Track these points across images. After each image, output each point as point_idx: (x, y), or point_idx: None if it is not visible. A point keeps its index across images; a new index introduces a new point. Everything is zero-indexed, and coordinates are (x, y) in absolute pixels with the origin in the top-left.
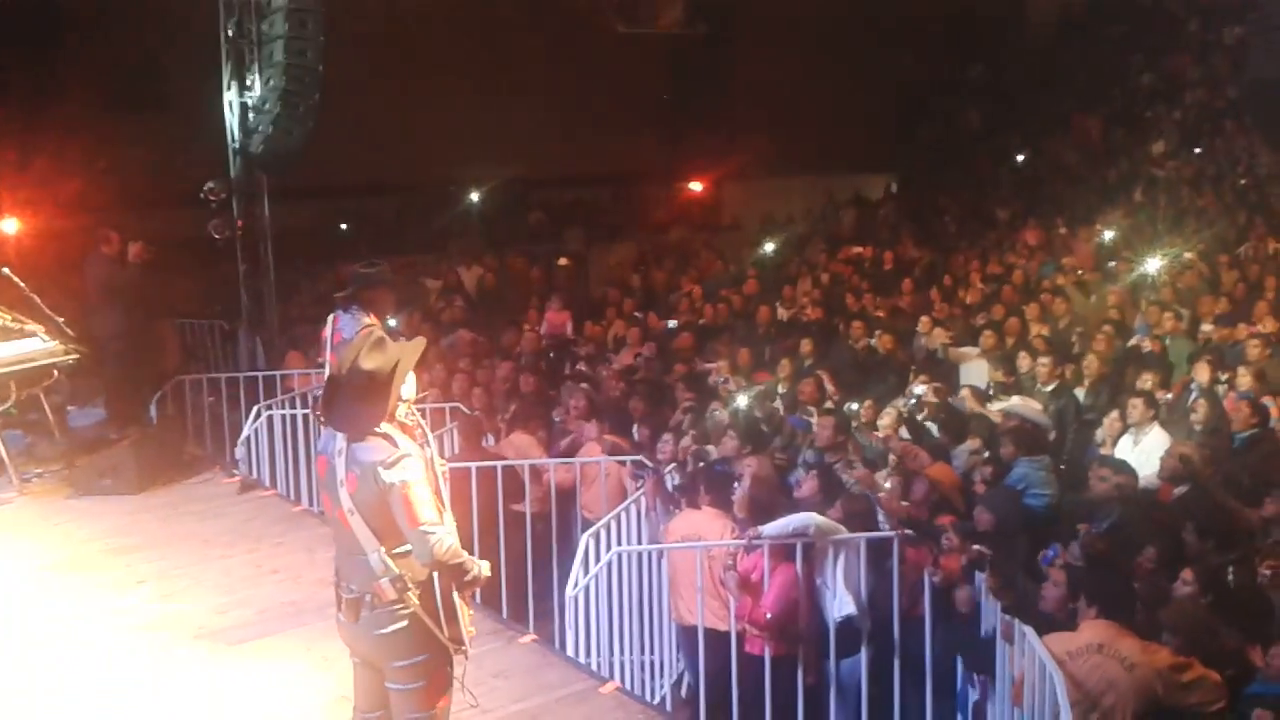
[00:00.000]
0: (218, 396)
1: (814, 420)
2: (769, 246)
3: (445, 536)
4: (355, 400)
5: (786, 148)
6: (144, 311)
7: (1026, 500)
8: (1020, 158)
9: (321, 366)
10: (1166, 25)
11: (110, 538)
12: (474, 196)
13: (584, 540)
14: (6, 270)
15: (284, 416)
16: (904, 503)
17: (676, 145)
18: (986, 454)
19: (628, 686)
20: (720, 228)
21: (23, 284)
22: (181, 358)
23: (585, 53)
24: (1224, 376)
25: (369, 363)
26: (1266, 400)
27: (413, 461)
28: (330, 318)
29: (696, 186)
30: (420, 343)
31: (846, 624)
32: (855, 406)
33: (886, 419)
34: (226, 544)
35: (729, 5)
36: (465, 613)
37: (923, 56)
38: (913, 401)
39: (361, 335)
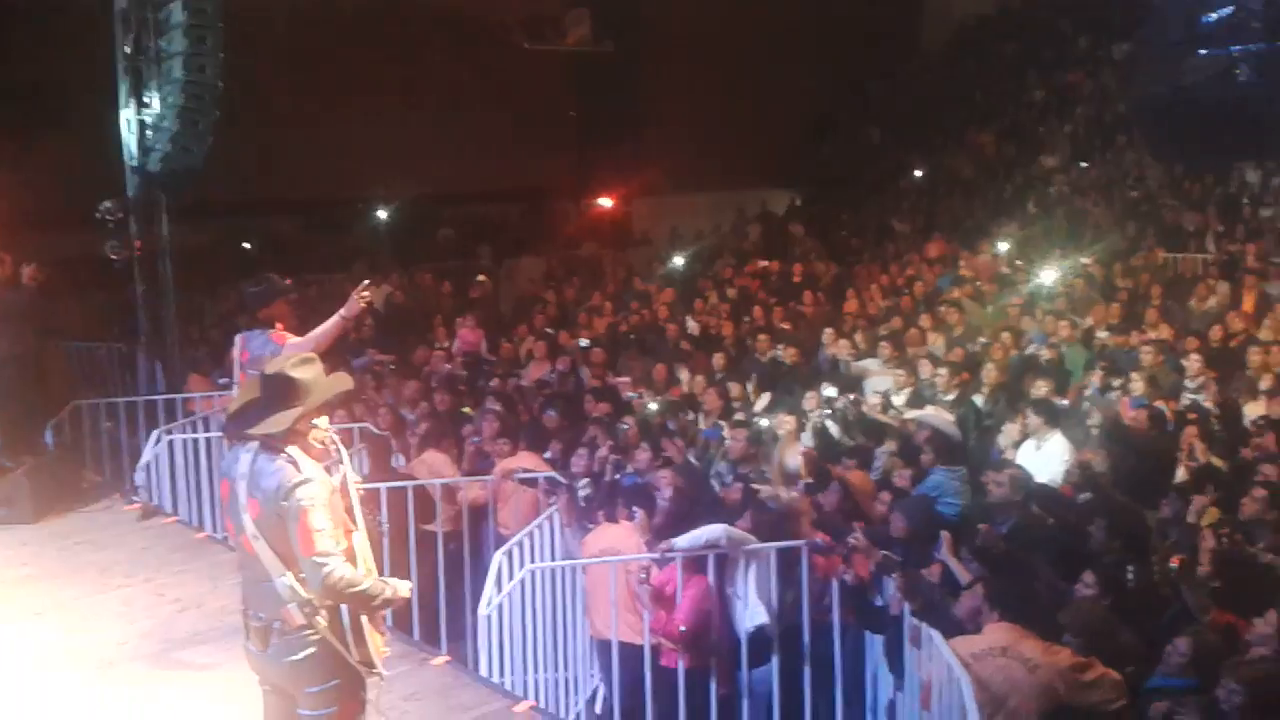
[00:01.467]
0: (116, 421)
1: (726, 431)
2: (678, 261)
3: (339, 567)
4: (269, 405)
5: (694, 163)
6: (39, 335)
7: (939, 507)
8: (919, 172)
9: (226, 388)
10: (1057, 42)
11: (6, 569)
12: (381, 213)
13: (496, 558)
14: None
15: (185, 441)
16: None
17: (585, 161)
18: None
19: (542, 705)
20: (630, 243)
21: None
22: (78, 382)
23: (493, 69)
24: (1117, 382)
25: (298, 372)
26: (1160, 404)
27: (314, 487)
28: (237, 338)
29: (606, 202)
30: (346, 381)
31: (758, 633)
32: (765, 423)
33: (787, 428)
34: (126, 573)
35: (636, 23)
36: (376, 635)
37: (825, 74)
38: (827, 411)
39: (291, 353)
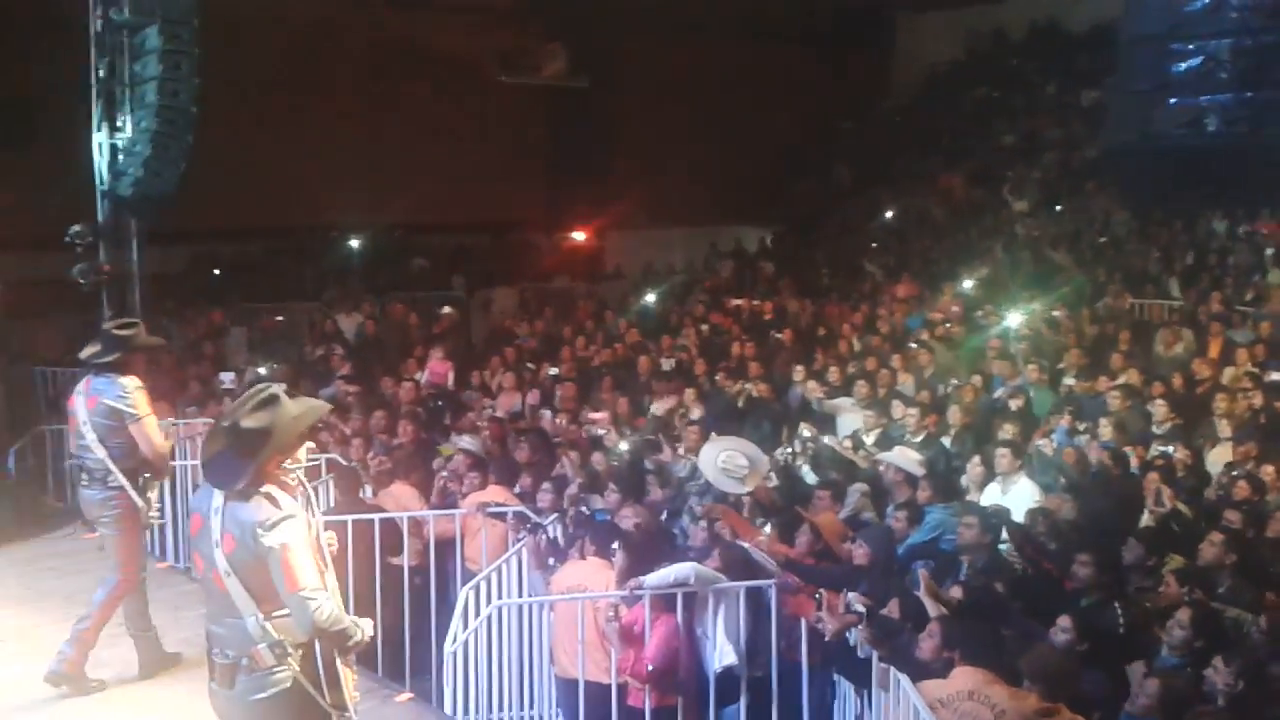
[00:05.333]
0: None
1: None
2: (651, 296)
3: (325, 603)
4: (234, 458)
5: (667, 198)
6: (4, 358)
7: (941, 546)
8: (889, 213)
9: (192, 416)
10: (1026, 89)
11: None
12: (354, 242)
13: (463, 593)
14: None
15: None
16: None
17: (558, 194)
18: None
19: None
20: (602, 276)
21: None
22: (43, 407)
23: (468, 101)
24: (1083, 427)
25: (251, 421)
26: (1127, 450)
27: (295, 523)
28: (83, 382)
29: (579, 235)
30: (322, 407)
31: (726, 673)
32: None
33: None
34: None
35: (611, 58)
36: (349, 677)
37: (797, 113)
38: (789, 450)
39: (251, 391)
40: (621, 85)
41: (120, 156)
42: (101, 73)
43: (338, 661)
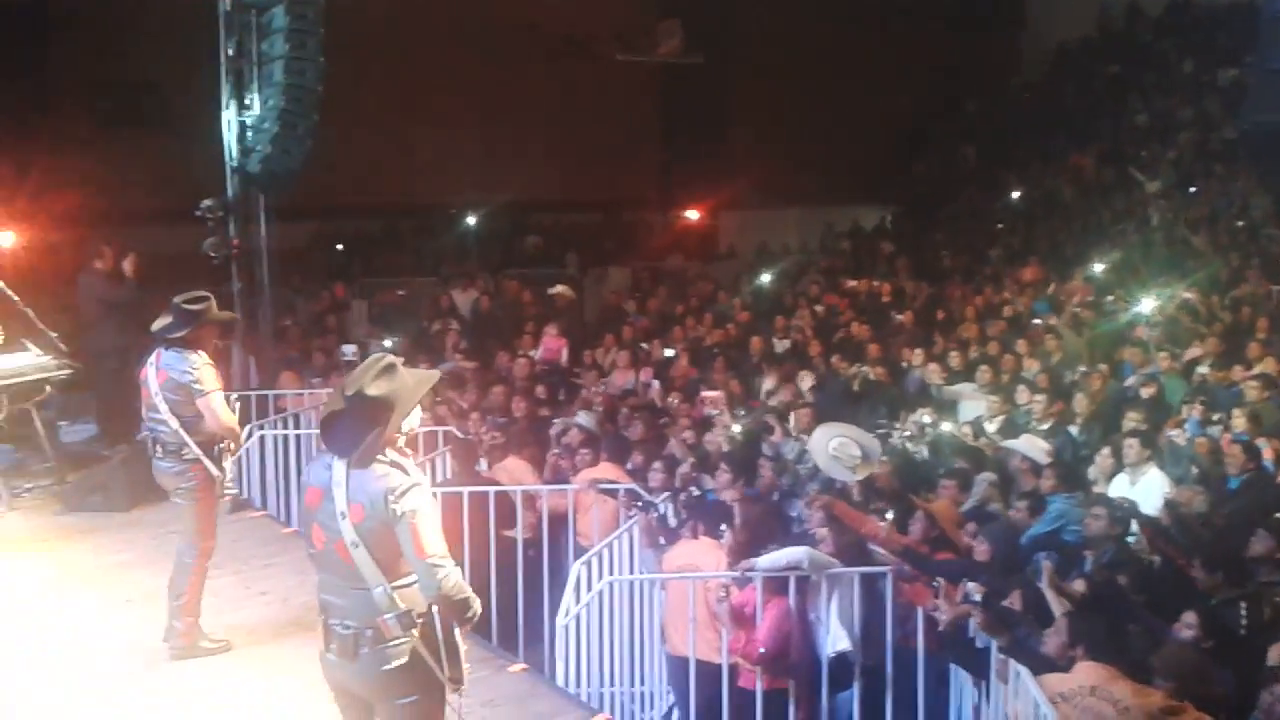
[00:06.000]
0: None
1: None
2: (765, 276)
3: (453, 571)
4: (358, 426)
5: (783, 178)
6: (139, 327)
7: (1064, 537)
8: (1015, 194)
9: (317, 386)
10: (1161, 66)
11: (99, 555)
12: (470, 219)
13: (575, 568)
14: (0, 284)
15: (276, 437)
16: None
17: (672, 173)
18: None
19: (617, 718)
20: (716, 256)
21: (16, 298)
22: None
23: (583, 79)
24: (1216, 418)
25: (375, 389)
26: (1261, 442)
27: (423, 490)
28: (152, 356)
29: (693, 214)
30: (433, 375)
31: (840, 659)
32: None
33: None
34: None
35: (727, 35)
36: (464, 651)
37: (919, 90)
38: (907, 433)
39: (370, 360)
40: (738, 62)
41: (249, 134)
42: (230, 52)
43: (456, 634)
